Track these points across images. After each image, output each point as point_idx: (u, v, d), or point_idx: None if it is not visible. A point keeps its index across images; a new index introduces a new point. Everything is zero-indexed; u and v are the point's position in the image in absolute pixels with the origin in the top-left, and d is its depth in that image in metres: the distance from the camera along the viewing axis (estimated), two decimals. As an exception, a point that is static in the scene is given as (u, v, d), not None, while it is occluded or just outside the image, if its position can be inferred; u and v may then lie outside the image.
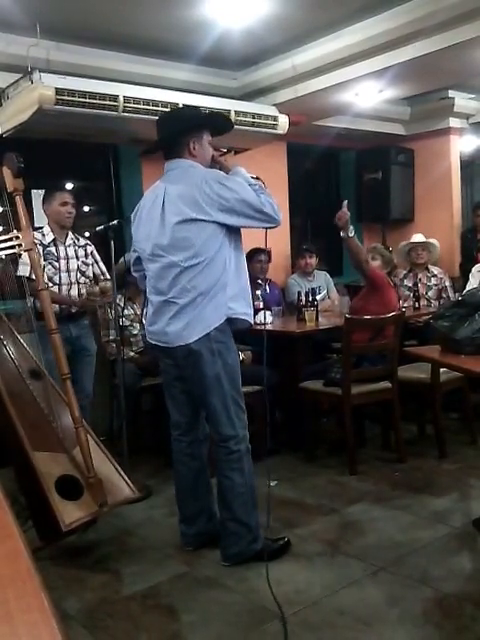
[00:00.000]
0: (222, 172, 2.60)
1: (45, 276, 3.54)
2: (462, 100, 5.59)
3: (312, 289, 4.51)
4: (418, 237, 5.25)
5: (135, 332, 4.21)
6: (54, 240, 3.69)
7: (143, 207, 2.69)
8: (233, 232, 2.55)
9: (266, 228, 2.60)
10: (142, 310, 4.25)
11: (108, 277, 3.80)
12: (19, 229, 2.68)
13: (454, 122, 5.78)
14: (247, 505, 2.60)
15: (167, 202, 2.52)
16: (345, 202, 3.70)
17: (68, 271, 3.67)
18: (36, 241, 3.57)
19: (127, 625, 2.25)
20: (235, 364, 2.61)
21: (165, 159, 2.65)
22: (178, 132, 2.58)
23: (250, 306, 2.64)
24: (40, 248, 3.61)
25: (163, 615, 2.30)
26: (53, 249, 3.68)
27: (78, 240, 3.82)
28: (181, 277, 2.50)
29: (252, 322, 2.68)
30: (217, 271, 2.50)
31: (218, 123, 2.75)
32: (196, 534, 2.77)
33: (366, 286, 3.93)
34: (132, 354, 4.13)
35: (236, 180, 2.51)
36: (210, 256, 2.48)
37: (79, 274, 3.75)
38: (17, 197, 2.65)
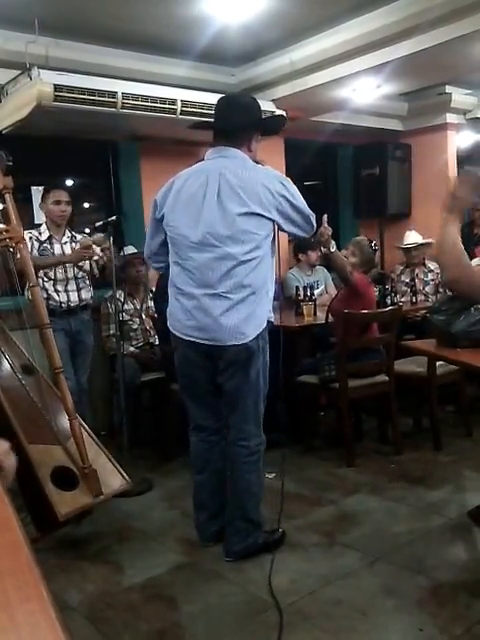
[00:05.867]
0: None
1: (41, 271, 3.57)
2: (459, 96, 5.57)
3: (310, 284, 4.53)
4: (412, 237, 5.21)
5: (135, 327, 4.24)
6: (50, 237, 3.72)
7: (182, 189, 2.52)
8: (274, 235, 2.57)
9: (301, 237, 2.69)
10: (142, 305, 4.28)
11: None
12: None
13: (451, 118, 5.77)
14: (258, 504, 2.63)
15: (226, 189, 2.43)
16: (325, 217, 3.46)
17: (64, 267, 3.70)
18: (32, 236, 3.62)
19: (127, 616, 2.28)
20: (268, 362, 2.60)
21: (215, 142, 2.57)
22: (247, 124, 2.55)
23: None
24: (36, 244, 3.65)
25: (163, 606, 2.33)
26: (48, 246, 3.71)
27: (75, 237, 3.84)
28: (236, 271, 2.41)
29: None
30: (267, 269, 2.51)
31: (275, 126, 2.83)
32: (218, 530, 2.72)
33: (346, 290, 3.79)
34: (132, 349, 4.16)
35: (294, 186, 2.54)
36: (264, 254, 2.47)
37: (76, 269, 3.76)
38: (7, 195, 2.67)
